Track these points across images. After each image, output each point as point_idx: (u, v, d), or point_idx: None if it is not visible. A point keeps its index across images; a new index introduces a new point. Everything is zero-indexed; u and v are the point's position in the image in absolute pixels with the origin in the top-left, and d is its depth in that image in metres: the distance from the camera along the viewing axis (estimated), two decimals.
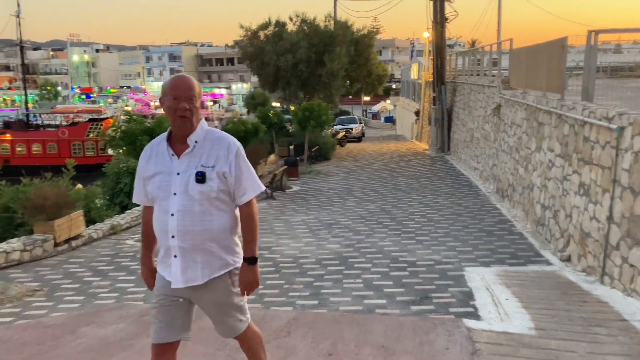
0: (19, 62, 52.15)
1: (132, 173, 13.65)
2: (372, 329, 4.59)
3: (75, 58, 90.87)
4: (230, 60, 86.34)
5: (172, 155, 2.65)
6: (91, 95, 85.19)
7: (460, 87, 20.88)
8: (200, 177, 2.58)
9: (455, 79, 22.29)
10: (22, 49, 47.56)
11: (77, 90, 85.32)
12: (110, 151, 31.16)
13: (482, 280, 6.61)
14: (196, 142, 2.64)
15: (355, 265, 7.79)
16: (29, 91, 49.19)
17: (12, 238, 9.19)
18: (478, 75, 18.15)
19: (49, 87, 75.91)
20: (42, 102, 62.98)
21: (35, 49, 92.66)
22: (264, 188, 2.82)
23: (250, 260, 2.73)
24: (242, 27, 27.88)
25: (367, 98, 52.01)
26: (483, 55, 18.56)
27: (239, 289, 2.73)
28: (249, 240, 2.72)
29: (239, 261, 2.74)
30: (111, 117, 40.59)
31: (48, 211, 9.01)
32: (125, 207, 13.00)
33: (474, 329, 4.57)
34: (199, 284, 2.64)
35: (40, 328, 4.75)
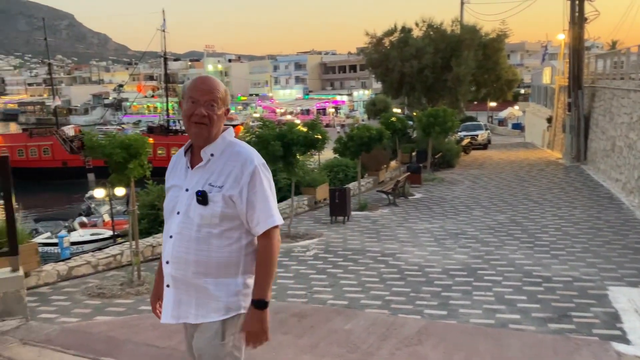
0: (162, 72, 57.01)
1: None
2: (508, 344, 4.39)
3: (210, 68, 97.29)
4: (353, 68, 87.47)
5: (188, 167, 2.25)
6: None
7: (601, 91, 19.34)
8: (201, 198, 2.15)
9: (594, 83, 20.70)
10: (165, 60, 51.87)
11: None
12: None
13: (629, 301, 6.06)
14: (212, 155, 2.20)
15: (485, 277, 7.50)
16: (169, 99, 53.51)
17: (157, 233, 10.04)
18: (622, 79, 16.70)
19: None
20: (180, 109, 68.16)
21: (175, 60, 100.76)
22: (280, 221, 2.22)
23: (258, 304, 2.17)
24: (367, 34, 28.10)
25: (493, 104, 49.99)
26: (628, 56, 17.04)
27: (235, 342, 2.22)
28: (260, 278, 2.18)
29: (246, 306, 2.20)
30: (241, 124, 42.90)
31: None
32: None
33: (625, 354, 4.20)
34: (192, 323, 2.22)
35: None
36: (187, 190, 2.19)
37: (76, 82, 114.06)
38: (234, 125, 43.16)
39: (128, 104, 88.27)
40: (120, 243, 13.96)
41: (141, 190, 12.12)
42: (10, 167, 4.46)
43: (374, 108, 32.03)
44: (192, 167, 2.22)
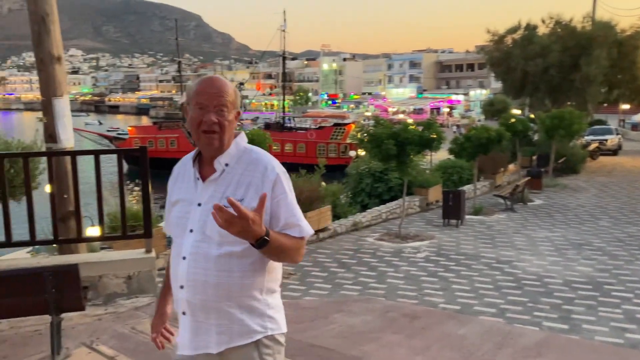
0: (280, 71, 58.96)
1: (373, 174, 14.35)
2: None
3: (325, 67, 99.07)
4: (470, 66, 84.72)
5: (198, 178, 1.98)
6: (336, 101, 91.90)
7: None
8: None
9: None
10: (284, 59, 53.62)
11: (326, 97, 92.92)
12: (351, 153, 33.21)
13: None
14: (226, 165, 1.95)
15: (613, 293, 6.95)
16: (285, 97, 55.28)
17: None
18: None
19: (301, 94, 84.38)
20: (295, 106, 70.26)
21: (292, 59, 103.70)
22: (310, 232, 1.96)
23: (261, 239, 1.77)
24: (488, 31, 27.08)
25: (626, 106, 46.00)
26: None
27: None
28: (283, 238, 1.86)
29: (273, 327, 1.98)
30: (353, 122, 43.25)
31: (302, 204, 9.95)
32: (365, 206, 13.72)
33: None
34: (213, 353, 1.96)
35: (298, 309, 5.27)
36: (199, 205, 1.92)
37: None
38: (345, 124, 43.87)
39: (247, 101, 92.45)
40: None
41: None
42: (148, 157, 4.83)
43: (491, 108, 30.75)
44: (204, 179, 1.95)
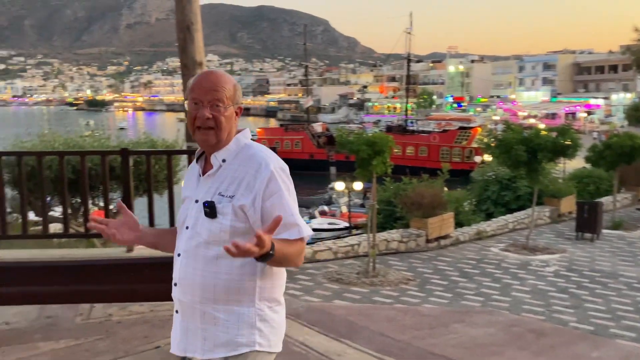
0: (404, 74, 58.53)
1: (500, 182, 13.75)
2: None
3: (451, 69, 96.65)
4: (613, 68, 77.99)
5: (199, 174, 1.93)
6: (462, 104, 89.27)
7: None
8: (208, 210, 1.83)
9: None
10: (408, 61, 53.19)
11: (451, 99, 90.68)
12: (477, 158, 32.08)
13: None
14: (224, 160, 1.88)
15: None
16: (408, 99, 54.76)
17: (391, 229, 10.38)
18: None
19: (425, 96, 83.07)
20: (419, 109, 69.35)
21: (417, 62, 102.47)
22: (308, 232, 1.83)
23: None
24: (636, 30, 24.80)
25: None
26: None
27: None
28: (285, 245, 1.74)
29: (262, 343, 1.82)
30: (479, 126, 41.75)
31: (424, 209, 9.82)
32: (490, 214, 13.18)
33: None
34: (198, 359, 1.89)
35: (417, 315, 5.20)
36: (196, 201, 1.88)
37: (326, 83, 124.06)
38: (471, 128, 42.52)
39: (370, 104, 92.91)
40: (355, 234, 14.79)
41: (379, 186, 12.65)
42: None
43: (637, 114, 28.15)
44: (204, 175, 1.90)
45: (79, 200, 7.12)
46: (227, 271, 1.80)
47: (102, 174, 5.06)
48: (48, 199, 5.25)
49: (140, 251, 5.20)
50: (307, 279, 7.55)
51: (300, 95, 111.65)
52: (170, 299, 4.36)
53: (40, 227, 5.77)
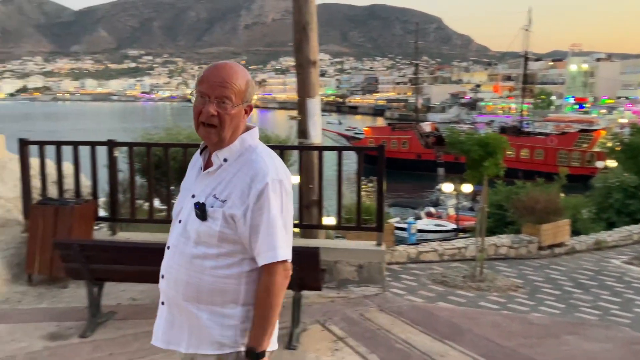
0: (521, 73, 55.88)
1: (624, 189, 12.73)
2: None
3: (573, 68, 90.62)
4: None
5: (201, 168, 1.89)
6: (584, 105, 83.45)
7: None
8: (199, 212, 1.79)
9: None
10: (526, 60, 50.69)
11: (572, 100, 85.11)
12: (598, 164, 29.93)
13: None
14: (225, 160, 1.83)
15: None
16: (524, 100, 52.17)
17: (501, 234, 10.00)
18: None
19: (543, 97, 78.64)
20: (535, 110, 65.83)
21: (536, 60, 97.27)
22: (285, 257, 1.80)
23: (252, 354, 1.77)
24: None
25: None
26: None
27: None
28: (255, 322, 1.79)
29: (246, 344, 1.82)
30: (603, 129, 38.85)
31: (537, 215, 9.35)
32: (612, 224, 12.26)
33: None
34: (182, 353, 1.87)
35: (525, 323, 5.00)
36: (193, 196, 1.85)
37: (437, 82, 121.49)
38: (593, 130, 39.68)
39: (483, 103, 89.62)
40: (462, 237, 14.41)
41: (490, 189, 12.23)
42: (385, 155, 5.08)
43: None
44: (205, 170, 1.87)
45: None
46: (211, 273, 1.79)
47: None
48: (172, 187, 5.67)
49: None
50: (411, 279, 7.49)
51: (409, 93, 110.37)
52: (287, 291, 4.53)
53: (164, 214, 6.27)
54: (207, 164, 1.87)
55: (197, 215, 1.79)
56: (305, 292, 4.22)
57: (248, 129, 1.87)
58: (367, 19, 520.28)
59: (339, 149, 5.30)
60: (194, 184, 1.88)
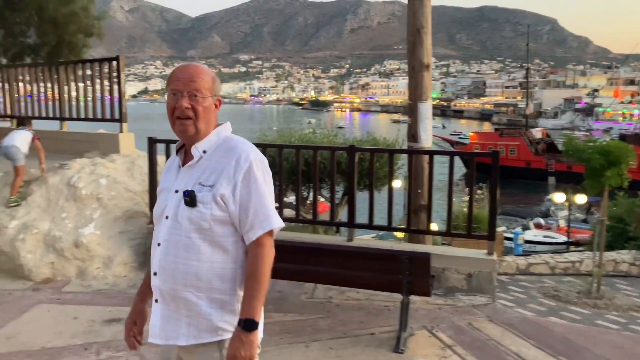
0: None
1: None
2: None
3: None
4: None
5: (179, 165, 1.98)
6: None
7: None
8: (189, 199, 1.86)
9: None
10: None
11: None
12: None
13: None
14: (204, 152, 1.92)
15: None
16: None
17: (621, 249, 9.31)
18: None
19: None
20: None
21: None
22: (279, 224, 1.88)
23: (246, 323, 1.80)
24: None
25: None
26: None
27: None
28: (249, 293, 1.83)
29: None
30: None
31: None
32: None
33: None
34: (182, 345, 1.91)
35: None
36: (176, 191, 1.92)
37: (550, 86, 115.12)
38: None
39: (600, 109, 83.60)
40: (575, 251, 13.57)
41: (609, 201, 11.42)
42: (499, 162, 4.92)
43: None
44: (184, 166, 1.96)
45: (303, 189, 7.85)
46: (209, 258, 1.86)
47: (330, 167, 5.52)
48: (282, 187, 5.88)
49: (359, 241, 5.56)
50: (520, 291, 7.20)
51: (519, 98, 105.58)
52: (386, 290, 4.56)
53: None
54: (186, 160, 1.97)
55: (186, 202, 1.86)
56: (412, 298, 4.21)
57: (220, 124, 2.00)
58: (476, 21, 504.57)
59: (451, 154, 5.22)
60: (175, 182, 1.96)
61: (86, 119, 7.68)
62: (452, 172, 5.04)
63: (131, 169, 6.61)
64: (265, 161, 1.93)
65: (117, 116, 7.07)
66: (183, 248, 1.86)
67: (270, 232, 1.87)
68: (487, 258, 4.89)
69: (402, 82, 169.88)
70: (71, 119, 7.93)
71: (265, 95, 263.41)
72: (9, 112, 8.64)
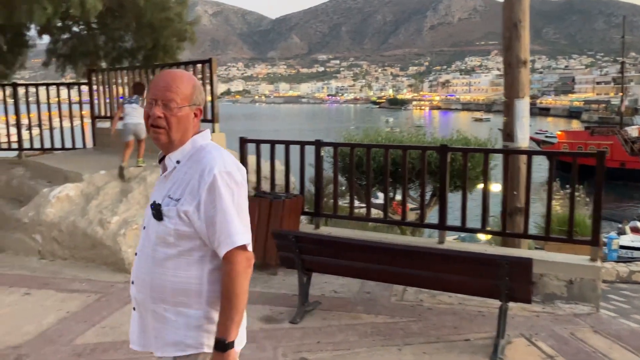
0: None
1: None
2: None
3: None
4: None
5: (162, 175, 1.96)
6: None
7: None
8: (155, 212, 1.84)
9: None
10: None
11: None
12: None
13: None
14: (178, 162, 1.88)
15: None
16: None
17: None
18: None
19: None
20: None
21: None
22: (245, 241, 1.79)
23: (218, 344, 1.77)
24: None
25: None
26: None
27: None
28: (222, 312, 1.79)
29: (211, 345, 1.82)
30: None
31: None
32: None
33: None
34: (156, 355, 1.92)
35: None
36: (154, 202, 1.91)
37: None
38: None
39: None
40: None
41: None
42: (604, 163, 4.62)
43: None
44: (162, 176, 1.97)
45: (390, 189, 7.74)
46: (173, 273, 1.83)
47: (420, 167, 5.41)
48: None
49: (451, 244, 5.40)
50: (622, 300, 6.75)
51: (611, 94, 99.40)
52: (483, 296, 4.41)
53: (362, 211, 6.48)
54: (165, 170, 1.95)
55: (153, 215, 1.86)
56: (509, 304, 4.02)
57: (198, 132, 1.93)
58: (565, 13, 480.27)
59: (550, 154, 4.97)
60: (155, 192, 1.95)
61: None
62: (552, 174, 4.79)
63: None
64: (234, 173, 1.83)
65: (209, 117, 7.29)
66: (151, 261, 1.87)
67: (241, 247, 1.80)
68: (590, 264, 4.60)
69: (484, 79, 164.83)
70: None
71: (342, 95, 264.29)
72: (108, 113, 9.15)
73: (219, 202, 1.78)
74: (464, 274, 4.10)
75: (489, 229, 5.50)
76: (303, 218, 6.17)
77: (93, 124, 9.23)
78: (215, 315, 1.84)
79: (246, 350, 3.87)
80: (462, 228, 5.26)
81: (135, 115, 6.57)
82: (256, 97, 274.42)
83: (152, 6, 7.60)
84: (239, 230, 1.80)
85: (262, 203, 5.57)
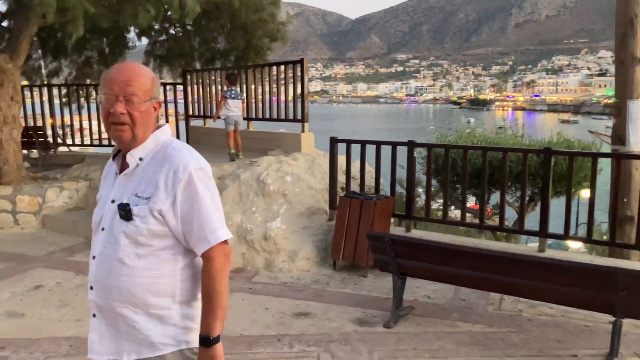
0: None
1: None
2: None
3: None
4: None
5: (117, 173, 1.85)
6: None
7: None
8: (123, 212, 1.74)
9: None
10: None
11: None
12: None
13: None
14: (140, 159, 1.80)
15: None
16: None
17: None
18: None
19: None
20: None
21: None
22: (225, 237, 1.77)
23: (202, 340, 1.76)
24: None
25: None
26: None
27: None
28: (204, 310, 1.78)
29: (189, 341, 1.82)
30: None
31: None
32: None
33: None
34: None
35: None
36: (112, 201, 1.81)
37: None
38: None
39: None
40: None
41: None
42: None
43: None
44: (120, 174, 1.83)
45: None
46: (144, 274, 1.77)
47: (522, 171, 5.16)
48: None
49: (552, 252, 5.12)
50: None
51: None
52: (593, 309, 4.13)
53: (451, 215, 6.28)
54: (123, 167, 1.85)
55: (121, 216, 1.76)
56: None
57: (159, 127, 1.87)
58: None
59: None
60: (112, 190, 1.85)
61: (271, 119, 8.13)
62: None
63: (312, 167, 6.82)
64: (207, 169, 1.80)
65: (299, 116, 7.35)
66: (117, 263, 1.78)
67: (221, 244, 1.77)
68: None
69: (572, 79, 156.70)
70: (257, 119, 8.44)
71: (421, 95, 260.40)
72: (201, 112, 9.46)
73: (196, 199, 1.75)
74: (573, 285, 3.85)
75: (595, 238, 5.16)
76: (391, 220, 6.08)
77: (187, 123, 9.58)
78: (190, 312, 1.84)
79: (341, 352, 3.86)
80: (565, 236, 4.96)
81: (236, 107, 7.44)
82: (334, 97, 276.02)
83: (246, 7, 7.76)
84: (219, 225, 1.79)
85: (352, 203, 5.53)
